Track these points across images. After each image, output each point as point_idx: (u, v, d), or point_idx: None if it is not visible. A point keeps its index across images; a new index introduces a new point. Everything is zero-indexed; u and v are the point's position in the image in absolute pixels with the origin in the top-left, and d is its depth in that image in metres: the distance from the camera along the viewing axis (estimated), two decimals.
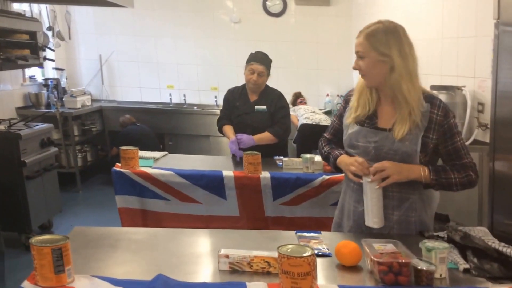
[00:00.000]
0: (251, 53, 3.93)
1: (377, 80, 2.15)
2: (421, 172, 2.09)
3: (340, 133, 2.37)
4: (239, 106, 3.95)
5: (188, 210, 3.40)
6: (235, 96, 4.01)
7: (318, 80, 6.84)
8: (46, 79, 6.33)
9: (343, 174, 3.34)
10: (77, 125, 6.37)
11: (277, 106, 3.90)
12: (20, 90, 5.97)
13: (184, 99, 7.11)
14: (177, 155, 4.04)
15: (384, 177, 2.08)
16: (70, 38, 6.96)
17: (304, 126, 5.92)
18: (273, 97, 3.92)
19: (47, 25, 6.44)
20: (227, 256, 1.78)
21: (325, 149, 2.48)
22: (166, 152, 3.93)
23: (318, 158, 3.54)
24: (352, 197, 2.30)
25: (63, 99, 6.18)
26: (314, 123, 5.81)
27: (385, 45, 2.08)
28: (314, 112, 5.97)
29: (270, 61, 3.93)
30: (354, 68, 2.18)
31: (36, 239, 1.63)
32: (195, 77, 7.13)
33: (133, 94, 7.22)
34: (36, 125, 4.66)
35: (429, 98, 2.14)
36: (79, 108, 6.20)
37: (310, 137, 6.00)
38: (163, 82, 7.17)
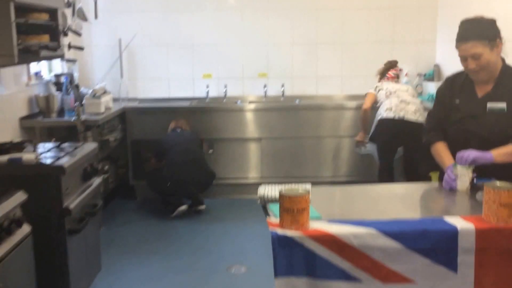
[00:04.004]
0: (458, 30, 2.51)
1: None
2: None
3: None
4: (459, 105, 2.58)
5: None
6: (454, 90, 2.61)
7: (393, 55, 5.38)
8: (57, 75, 4.69)
9: None
10: (95, 135, 4.59)
11: None
12: (23, 92, 4.31)
13: (225, 90, 5.61)
14: (321, 187, 2.58)
15: None
16: (96, 18, 5.21)
17: (382, 121, 4.52)
18: None
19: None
20: None
21: None
22: (309, 184, 2.46)
23: None
24: None
25: (83, 102, 4.57)
26: (397, 117, 4.41)
27: None
28: (403, 101, 4.53)
29: (487, 27, 2.47)
30: None
31: None
32: (238, 62, 5.63)
33: (159, 89, 5.67)
34: (75, 148, 3.12)
35: None
36: (102, 113, 4.62)
37: (393, 138, 4.61)
38: (199, 71, 5.64)
